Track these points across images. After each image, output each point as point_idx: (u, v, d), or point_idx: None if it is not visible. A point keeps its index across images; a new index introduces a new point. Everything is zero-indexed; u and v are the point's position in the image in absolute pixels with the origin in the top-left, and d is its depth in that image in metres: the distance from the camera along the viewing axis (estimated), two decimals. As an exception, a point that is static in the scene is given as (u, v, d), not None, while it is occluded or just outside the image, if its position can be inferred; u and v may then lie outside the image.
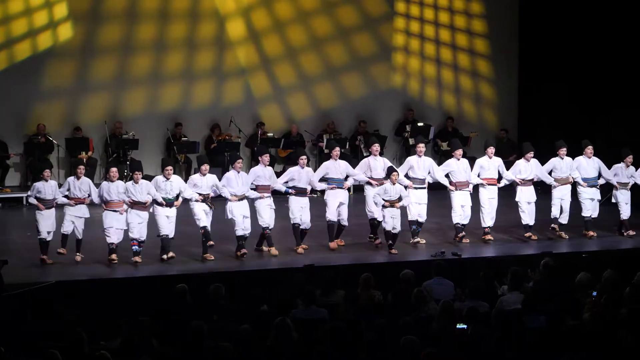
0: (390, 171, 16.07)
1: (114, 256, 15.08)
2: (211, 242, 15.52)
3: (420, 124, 23.09)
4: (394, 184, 15.86)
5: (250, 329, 10.15)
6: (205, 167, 15.71)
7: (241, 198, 15.69)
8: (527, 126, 23.70)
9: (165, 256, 15.28)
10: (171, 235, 15.41)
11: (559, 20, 22.50)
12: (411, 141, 22.39)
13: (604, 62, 21.21)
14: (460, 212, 16.80)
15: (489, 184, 16.91)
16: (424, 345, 9.43)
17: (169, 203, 15.37)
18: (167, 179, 15.43)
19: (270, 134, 22.10)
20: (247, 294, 12.35)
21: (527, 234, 17.12)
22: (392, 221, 15.88)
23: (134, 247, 15.19)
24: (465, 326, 10.55)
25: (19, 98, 21.36)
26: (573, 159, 17.46)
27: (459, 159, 16.88)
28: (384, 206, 15.85)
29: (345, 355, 9.66)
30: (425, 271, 13.27)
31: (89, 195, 15.38)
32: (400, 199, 15.92)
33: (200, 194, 15.51)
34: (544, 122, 22.98)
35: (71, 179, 15.50)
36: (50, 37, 21.73)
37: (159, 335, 10.21)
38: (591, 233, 17.35)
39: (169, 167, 15.63)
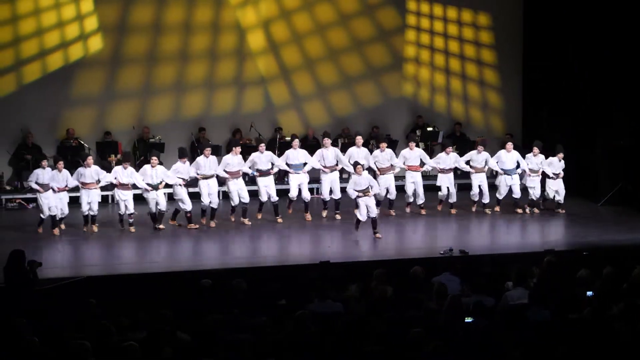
0: (355, 165, 17.72)
1: (94, 227, 17.65)
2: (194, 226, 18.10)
3: (429, 129, 23.12)
4: (359, 175, 17.34)
5: (266, 321, 10.14)
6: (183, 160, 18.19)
7: (209, 177, 18.20)
8: (531, 130, 23.62)
9: (159, 226, 17.79)
10: (163, 209, 17.81)
11: (561, 31, 22.44)
12: (421, 145, 22.47)
13: (605, 70, 21.12)
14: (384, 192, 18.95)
15: (411, 170, 19.39)
16: (431, 338, 9.41)
17: (153, 187, 17.65)
18: (153, 167, 17.82)
19: (287, 138, 22.10)
20: (265, 289, 12.33)
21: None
22: (367, 209, 17.09)
23: (130, 220, 17.70)
24: (472, 320, 10.53)
25: (52, 105, 21.46)
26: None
27: (383, 151, 19.16)
28: (358, 196, 17.23)
29: (358, 347, 9.64)
30: (434, 267, 13.28)
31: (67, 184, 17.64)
32: (369, 188, 17.22)
33: (183, 179, 17.96)
34: (547, 126, 22.96)
35: (54, 172, 17.52)
36: (81, 49, 21.79)
37: (183, 327, 10.21)
38: (496, 208, 19.83)
39: (154, 158, 18.03)
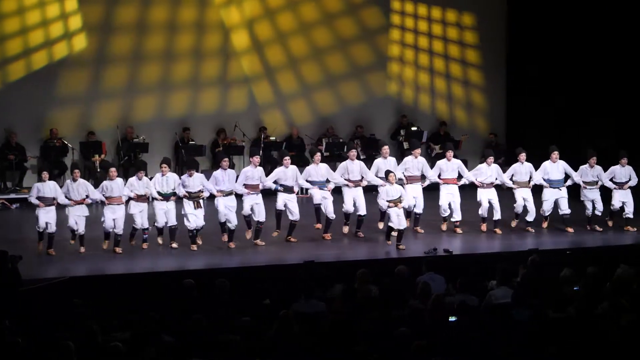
0: (387, 173, 16.38)
1: (118, 249, 15.84)
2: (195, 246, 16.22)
3: (413, 129, 23.12)
4: (392, 184, 16.17)
5: (250, 322, 10.12)
6: (191, 171, 16.21)
7: (227, 194, 16.20)
8: (515, 131, 23.69)
9: (174, 244, 16.09)
10: (173, 224, 16.16)
11: (545, 31, 22.53)
12: (405, 145, 22.48)
13: (587, 71, 21.23)
14: (413, 202, 17.17)
15: (446, 183, 17.36)
16: (416, 337, 9.41)
17: (165, 197, 16.01)
18: (164, 174, 16.05)
19: (272, 138, 22.10)
20: (249, 289, 12.30)
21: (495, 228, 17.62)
22: (397, 220, 16.07)
23: (144, 236, 16.09)
24: (455, 319, 10.56)
25: (36, 104, 21.36)
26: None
27: (416, 157, 17.35)
28: (388, 207, 16.11)
29: (343, 347, 9.63)
30: (419, 267, 13.30)
31: (87, 196, 15.82)
32: (400, 198, 16.19)
33: (189, 192, 16.03)
34: (530, 126, 23.01)
35: (69, 181, 15.99)
36: (66, 47, 21.74)
37: (167, 328, 10.18)
38: (569, 229, 17.63)
39: (164, 165, 16.21)
